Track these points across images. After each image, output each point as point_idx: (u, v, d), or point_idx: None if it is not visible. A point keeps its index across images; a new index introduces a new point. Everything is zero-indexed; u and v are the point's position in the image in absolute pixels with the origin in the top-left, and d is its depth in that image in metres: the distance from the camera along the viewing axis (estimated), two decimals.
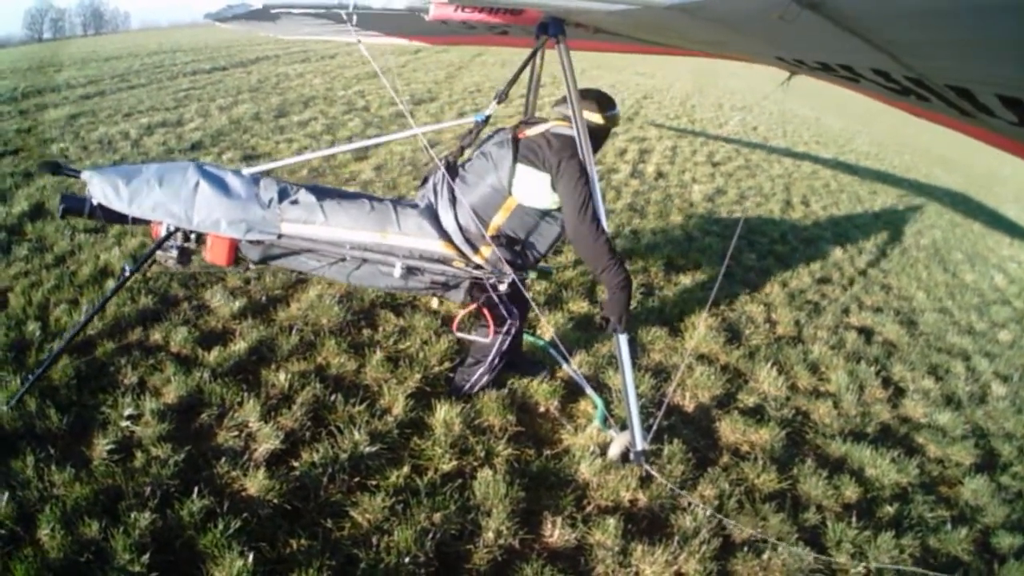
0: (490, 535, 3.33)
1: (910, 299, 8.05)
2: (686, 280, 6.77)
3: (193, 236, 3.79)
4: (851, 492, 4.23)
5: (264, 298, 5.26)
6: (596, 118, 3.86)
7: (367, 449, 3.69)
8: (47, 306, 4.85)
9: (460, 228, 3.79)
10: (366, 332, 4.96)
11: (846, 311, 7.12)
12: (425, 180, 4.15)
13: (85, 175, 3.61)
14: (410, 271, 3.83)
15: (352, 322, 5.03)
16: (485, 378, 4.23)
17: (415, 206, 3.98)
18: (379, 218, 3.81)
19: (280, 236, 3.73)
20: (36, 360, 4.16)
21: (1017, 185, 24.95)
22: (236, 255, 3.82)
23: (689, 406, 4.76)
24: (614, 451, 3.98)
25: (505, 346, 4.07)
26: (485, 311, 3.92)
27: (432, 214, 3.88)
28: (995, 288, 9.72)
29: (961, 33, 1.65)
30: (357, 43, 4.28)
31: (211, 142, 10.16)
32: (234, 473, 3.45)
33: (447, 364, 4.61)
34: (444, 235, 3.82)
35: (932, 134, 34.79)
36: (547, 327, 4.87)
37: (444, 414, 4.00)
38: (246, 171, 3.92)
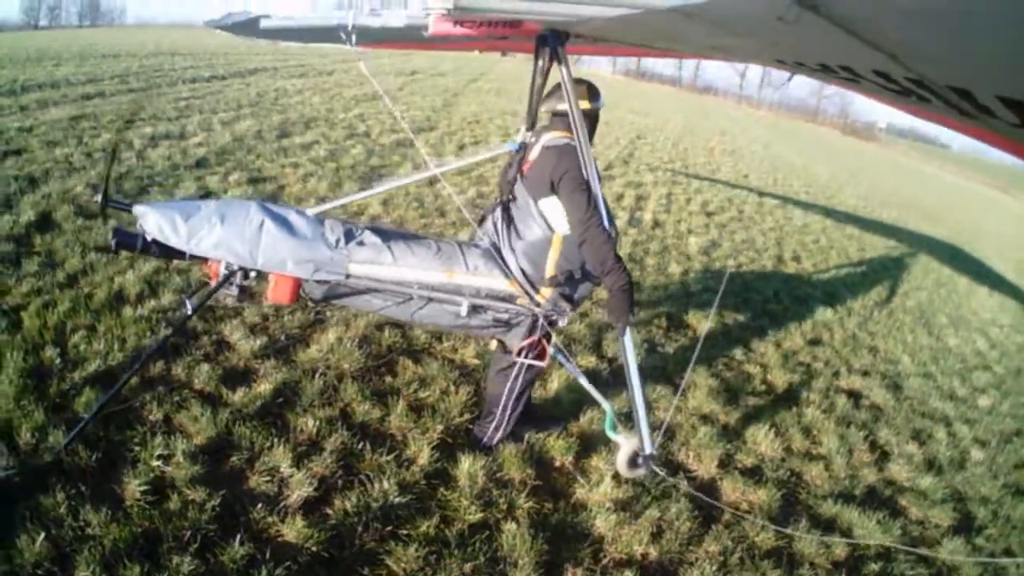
0: None
1: (896, 363, 8.43)
2: (684, 339, 7.09)
3: (253, 274, 3.85)
4: (840, 550, 4.51)
5: (284, 337, 5.42)
6: (581, 104, 3.93)
7: (396, 499, 3.89)
8: (64, 330, 4.92)
9: (522, 271, 3.96)
10: (387, 379, 5.16)
11: (836, 374, 7.46)
12: (483, 219, 4.31)
13: (137, 210, 3.63)
14: (474, 309, 3.97)
15: (373, 368, 5.24)
16: (501, 430, 4.43)
17: (477, 246, 4.13)
18: (446, 259, 3.94)
19: (348, 276, 3.83)
20: (57, 390, 4.26)
21: (999, 240, 25.78)
22: (298, 293, 3.92)
23: (694, 465, 5.04)
24: (622, 456, 4.17)
25: (518, 389, 4.27)
26: (544, 343, 4.10)
27: (496, 252, 4.04)
28: (977, 353, 10.15)
29: (961, 34, 1.68)
30: (358, 61, 4.30)
31: (216, 160, 10.29)
32: (270, 519, 3.60)
33: (467, 416, 4.84)
34: (508, 273, 3.97)
35: (917, 188, 35.87)
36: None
37: (468, 467, 4.23)
38: (310, 212, 4.01)
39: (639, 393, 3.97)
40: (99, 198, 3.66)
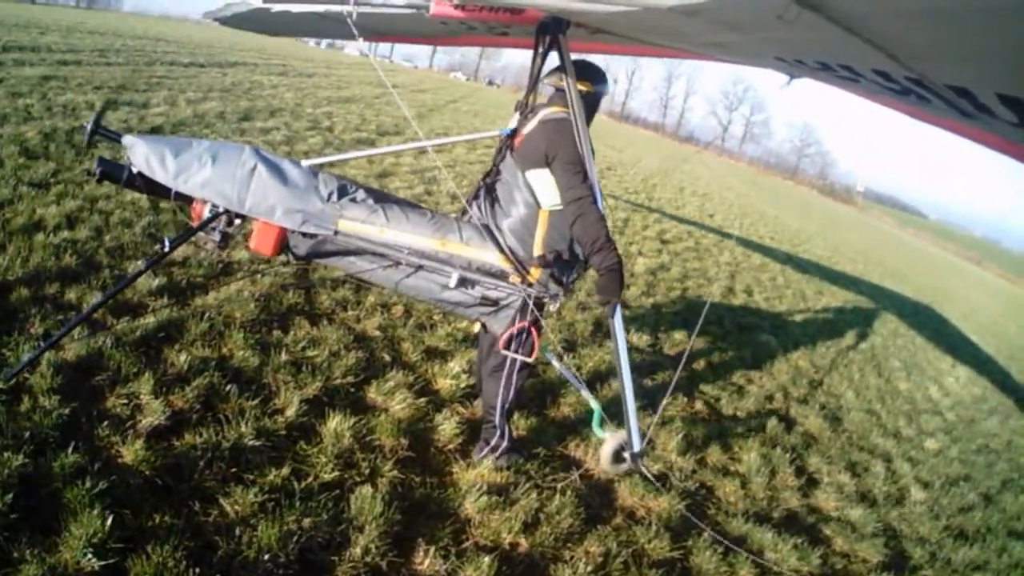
0: (358, 551, 3.42)
1: (839, 396, 8.43)
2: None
3: (237, 220, 3.88)
4: (746, 572, 4.29)
5: (185, 282, 5.52)
6: (583, 87, 4.02)
7: (251, 443, 3.83)
8: None
9: (510, 250, 3.99)
10: (276, 334, 5.17)
11: (770, 398, 7.42)
12: (469, 203, 4.32)
13: (127, 140, 3.70)
14: (463, 282, 3.99)
15: (265, 321, 5.28)
16: (507, 438, 4.37)
17: (471, 221, 4.16)
18: (440, 227, 3.98)
19: (336, 233, 3.85)
20: None
21: (966, 305, 26.35)
22: (281, 246, 3.92)
23: (591, 463, 4.84)
24: (606, 449, 4.11)
25: (513, 389, 4.23)
26: (533, 330, 4.08)
27: (487, 229, 4.07)
28: (928, 399, 10.24)
29: (961, 33, 1.75)
30: (358, 41, 4.43)
31: (171, 130, 10.72)
32: (113, 438, 3.60)
33: (350, 378, 4.80)
34: (501, 249, 4.01)
35: (889, 250, 36.59)
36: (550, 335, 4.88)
37: (336, 425, 4.15)
38: (305, 163, 4.06)
39: (628, 379, 3.93)
40: (89, 124, 3.72)
